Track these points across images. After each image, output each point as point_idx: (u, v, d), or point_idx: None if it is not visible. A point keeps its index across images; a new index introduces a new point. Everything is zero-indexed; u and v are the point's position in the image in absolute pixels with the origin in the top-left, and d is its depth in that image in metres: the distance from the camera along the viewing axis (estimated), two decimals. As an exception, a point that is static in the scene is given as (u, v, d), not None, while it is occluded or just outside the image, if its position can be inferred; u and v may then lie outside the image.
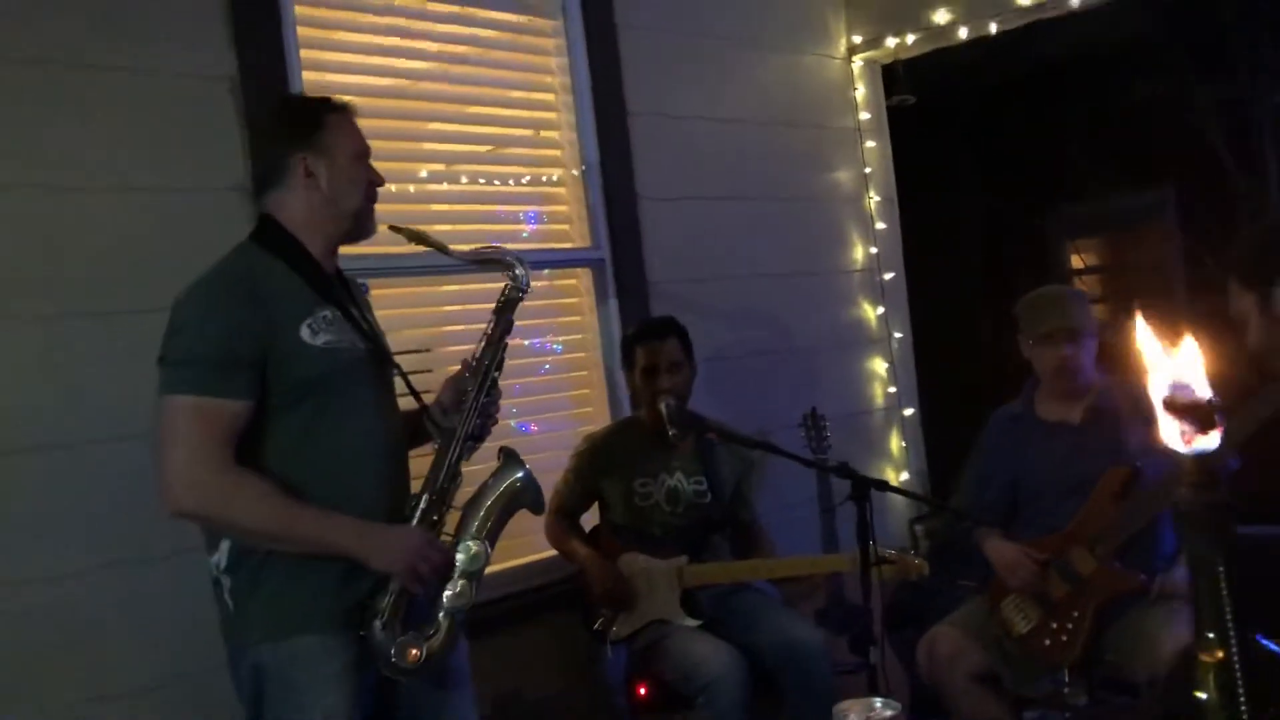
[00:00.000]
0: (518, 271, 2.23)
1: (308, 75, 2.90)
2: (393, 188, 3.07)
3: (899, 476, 4.35)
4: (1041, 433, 3.01)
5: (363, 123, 3.04)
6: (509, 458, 2.20)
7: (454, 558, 2.07)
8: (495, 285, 2.29)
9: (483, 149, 3.38)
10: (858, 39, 4.36)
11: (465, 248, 2.29)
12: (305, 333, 1.99)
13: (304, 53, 2.90)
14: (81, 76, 2.54)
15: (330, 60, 3.01)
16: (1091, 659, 2.80)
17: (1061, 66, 5.08)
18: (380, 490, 2.07)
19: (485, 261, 2.31)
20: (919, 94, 4.38)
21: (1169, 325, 0.81)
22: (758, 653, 2.91)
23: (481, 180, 3.36)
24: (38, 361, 2.46)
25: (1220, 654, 0.73)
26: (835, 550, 3.36)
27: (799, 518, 3.46)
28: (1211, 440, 0.75)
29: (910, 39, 4.21)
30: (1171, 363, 0.78)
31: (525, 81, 3.51)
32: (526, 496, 2.19)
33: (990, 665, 2.88)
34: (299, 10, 2.91)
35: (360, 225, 2.14)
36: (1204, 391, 0.76)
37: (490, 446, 2.26)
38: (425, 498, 2.09)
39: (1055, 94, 5.38)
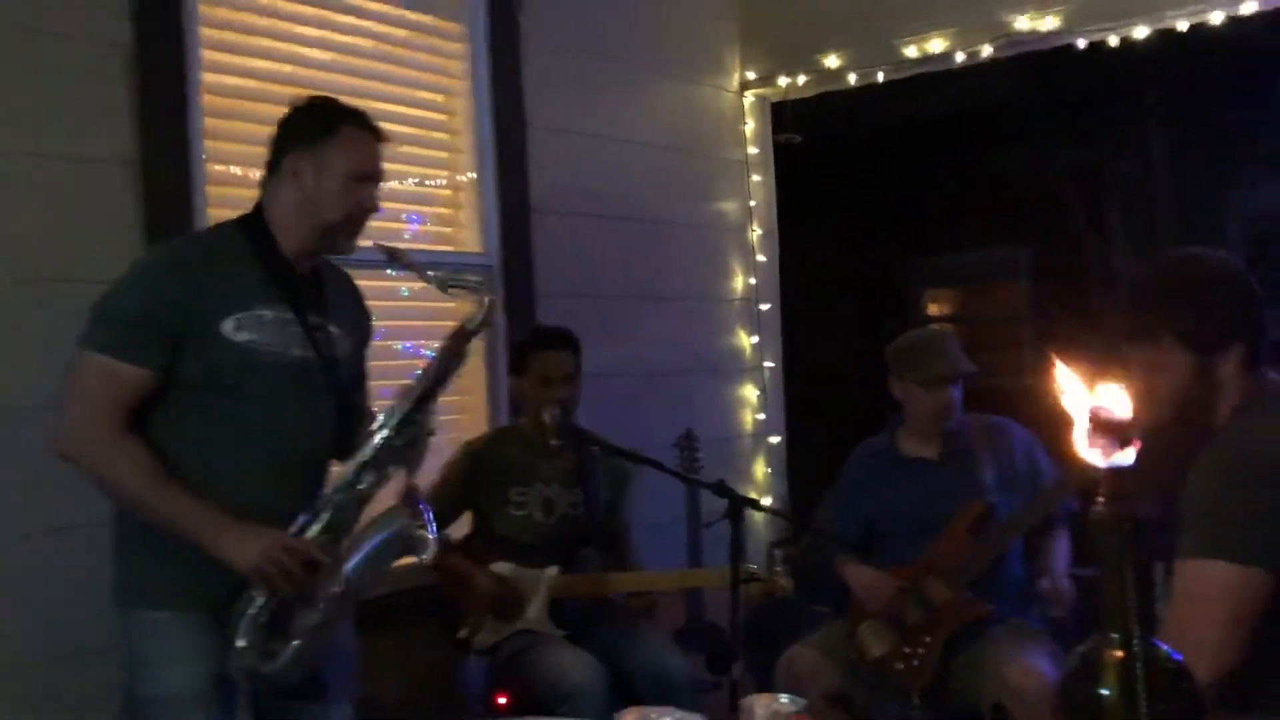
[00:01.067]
0: (487, 301, 2.15)
1: (207, 54, 2.84)
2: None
3: (763, 502, 4.46)
4: (902, 468, 3.13)
5: (257, 108, 3.03)
6: (401, 501, 2.11)
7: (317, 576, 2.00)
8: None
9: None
10: (751, 74, 4.48)
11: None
12: (229, 325, 1.99)
13: (204, 31, 2.84)
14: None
15: (231, 41, 2.94)
16: (940, 685, 2.93)
17: (938, 121, 5.33)
18: (263, 498, 2.03)
19: (459, 289, 2.21)
20: (805, 134, 4.53)
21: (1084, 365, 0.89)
22: (624, 671, 2.94)
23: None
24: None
25: (1121, 654, 0.80)
26: (700, 567, 3.43)
27: (667, 535, 3.51)
28: (1127, 456, 0.82)
29: (801, 79, 4.35)
30: (1091, 388, 0.85)
31: (424, 82, 3.49)
32: (390, 551, 2.10)
33: (844, 686, 2.98)
34: (201, -14, 2.84)
35: (333, 241, 2.12)
36: (1122, 413, 0.84)
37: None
38: (308, 518, 2.04)
39: (929, 147, 5.64)
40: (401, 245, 3.34)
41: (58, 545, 2.44)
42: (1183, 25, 3.65)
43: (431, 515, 2.10)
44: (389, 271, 3.27)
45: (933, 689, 2.92)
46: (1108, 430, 0.83)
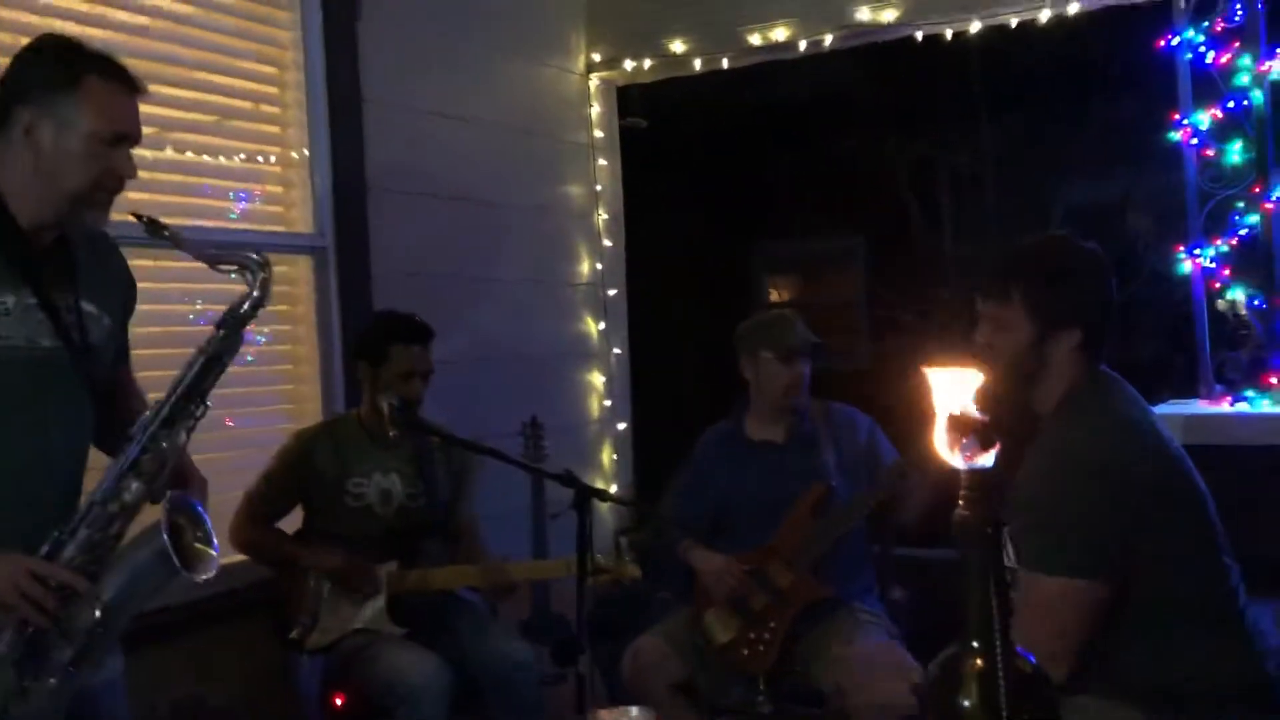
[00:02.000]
0: (260, 279, 1.83)
1: (7, 14, 2.59)
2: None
3: (609, 489, 4.42)
4: (749, 452, 3.14)
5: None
6: (165, 514, 1.77)
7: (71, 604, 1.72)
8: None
9: (205, 118, 3.14)
10: (596, 57, 4.43)
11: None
12: None
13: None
14: None
15: (43, 3, 2.70)
16: (784, 669, 2.95)
17: (782, 109, 5.40)
18: (13, 517, 1.77)
19: (226, 265, 1.87)
20: (651, 119, 4.51)
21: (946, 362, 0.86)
22: (465, 665, 2.86)
23: (191, 152, 3.12)
24: None
25: (982, 662, 0.78)
26: (545, 559, 3.37)
27: (511, 526, 3.44)
28: (988, 458, 0.80)
29: (647, 64, 4.32)
30: (954, 390, 0.83)
31: (253, 53, 3.30)
32: (154, 572, 1.76)
33: (690, 675, 2.97)
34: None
35: (77, 212, 1.81)
36: (981, 416, 0.81)
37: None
38: (60, 534, 1.76)
39: (771, 135, 5.71)
40: (230, 225, 3.22)
41: None
42: (1013, 21, 3.77)
43: (211, 525, 1.84)
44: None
45: (777, 673, 2.95)
46: (969, 431, 0.80)
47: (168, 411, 1.80)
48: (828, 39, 4.00)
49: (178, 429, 1.81)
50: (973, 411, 0.81)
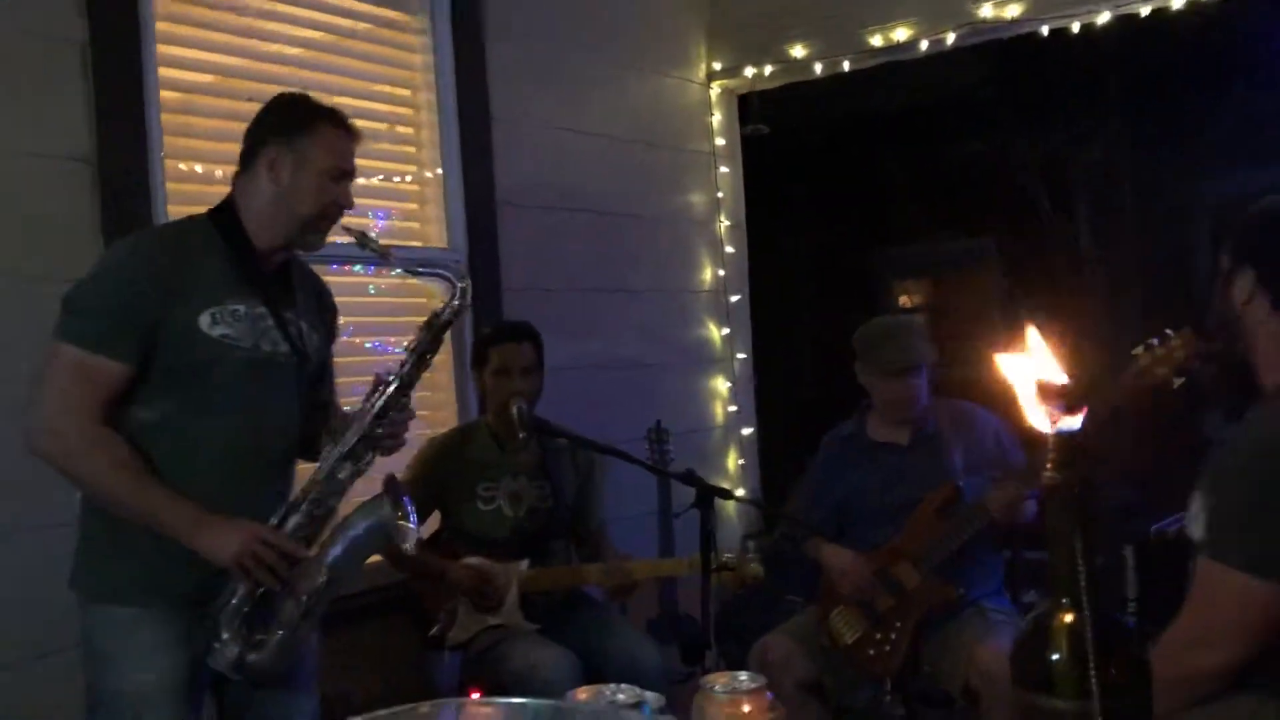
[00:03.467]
0: (460, 288, 2.13)
1: (163, 49, 2.80)
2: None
3: (736, 493, 4.46)
4: (871, 453, 3.14)
5: (215, 102, 2.99)
6: (383, 492, 2.07)
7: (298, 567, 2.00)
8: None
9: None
10: (717, 66, 4.49)
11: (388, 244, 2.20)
12: (205, 320, 1.98)
13: (160, 26, 2.80)
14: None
15: (188, 35, 2.91)
16: (911, 670, 2.94)
17: (905, 112, 5.36)
18: (234, 492, 2.02)
19: (428, 274, 2.24)
20: (772, 125, 4.54)
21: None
22: (596, 663, 2.93)
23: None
24: None
25: (1071, 618, 0.80)
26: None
27: (639, 527, 3.51)
28: (1074, 421, 0.82)
29: (767, 70, 4.36)
30: (1042, 355, 0.86)
31: (387, 77, 3.47)
32: (372, 541, 2.07)
33: (817, 674, 2.98)
34: (158, -19, 2.81)
35: (306, 236, 2.10)
36: (1065, 379, 0.84)
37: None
38: (287, 509, 2.04)
39: (895, 137, 5.67)
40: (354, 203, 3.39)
41: (27, 544, 2.42)
42: (1144, 10, 3.68)
43: (411, 505, 2.09)
44: (357, 269, 3.28)
45: (904, 674, 2.93)
46: (1054, 396, 0.83)
47: (382, 405, 2.07)
48: (950, 38, 3.96)
49: (386, 419, 2.08)
50: (1058, 377, 0.84)
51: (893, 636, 2.94)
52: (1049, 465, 0.82)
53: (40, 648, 2.44)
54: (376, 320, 3.37)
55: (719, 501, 2.64)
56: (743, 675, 1.08)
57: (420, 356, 2.12)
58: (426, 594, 3.03)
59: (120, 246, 2.07)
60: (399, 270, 2.20)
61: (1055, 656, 0.81)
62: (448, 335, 3.39)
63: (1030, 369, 0.84)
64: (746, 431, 4.57)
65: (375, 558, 3.14)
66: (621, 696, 1.05)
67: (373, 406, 2.07)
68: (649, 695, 1.10)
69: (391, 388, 2.08)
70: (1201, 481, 1.67)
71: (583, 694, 1.07)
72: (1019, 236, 5.95)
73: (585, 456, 3.18)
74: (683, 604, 3.52)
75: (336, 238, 2.18)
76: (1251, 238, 1.78)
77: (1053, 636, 0.82)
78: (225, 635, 1.98)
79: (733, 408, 4.52)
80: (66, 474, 1.97)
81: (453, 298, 2.13)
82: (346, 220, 2.15)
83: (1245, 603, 1.58)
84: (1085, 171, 5.86)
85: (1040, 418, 0.82)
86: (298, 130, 2.07)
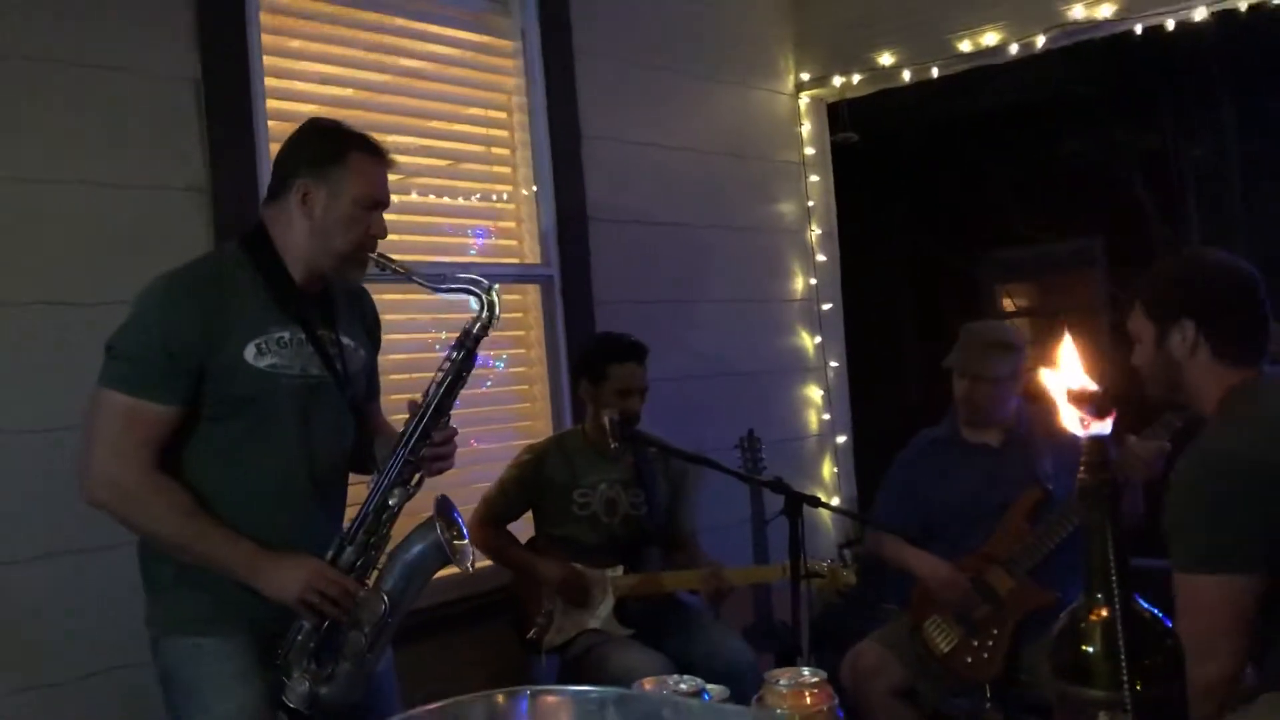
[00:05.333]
0: (487, 301, 2.07)
1: (270, 81, 2.96)
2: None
3: (830, 502, 4.46)
4: (962, 455, 3.13)
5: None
6: (434, 514, 2.05)
7: (356, 599, 2.00)
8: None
9: (440, 163, 3.45)
10: (805, 76, 4.51)
11: (418, 262, 2.22)
12: (250, 351, 1.97)
13: (267, 59, 2.96)
14: (46, 70, 2.57)
15: (293, 68, 3.07)
16: (1009, 678, 2.92)
17: (997, 114, 5.29)
18: (293, 523, 2.04)
19: (454, 290, 2.14)
20: (862, 133, 4.54)
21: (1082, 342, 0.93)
22: (691, 667, 2.97)
23: (434, 195, 3.43)
24: (-14, 348, 2.47)
25: (1105, 612, 0.83)
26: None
27: (732, 535, 3.55)
28: (1105, 425, 0.86)
29: (856, 79, 4.37)
30: (1073, 363, 0.89)
31: (482, 100, 3.59)
32: (428, 564, 2.06)
33: (910, 681, 2.98)
34: (264, 18, 2.96)
35: (342, 268, 2.09)
36: (1097, 385, 0.87)
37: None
38: (343, 539, 2.04)
39: (990, 140, 5.59)
40: (468, 259, 3.51)
41: (86, 566, 2.51)
42: (1243, 5, 3.59)
43: (464, 523, 2.12)
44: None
45: (1002, 681, 2.92)
46: (1084, 401, 0.86)
47: (421, 428, 2.06)
48: (1040, 40, 3.92)
49: (430, 440, 2.07)
50: (1089, 384, 0.87)
51: (989, 644, 2.93)
52: (1082, 467, 0.85)
53: (84, 668, 2.53)
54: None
55: (814, 510, 2.68)
56: (805, 670, 1.13)
57: (456, 377, 2.07)
58: (525, 598, 3.13)
59: (156, 287, 1.99)
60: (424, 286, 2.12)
61: (1090, 649, 0.84)
62: (535, 348, 3.59)
63: (1064, 377, 0.88)
64: (841, 440, 4.57)
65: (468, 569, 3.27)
66: (684, 686, 1.10)
67: (413, 431, 2.05)
68: (713, 686, 1.15)
69: (429, 410, 2.05)
70: (1165, 509, 1.78)
71: (648, 684, 1.12)
72: (1126, 236, 5.81)
73: (677, 465, 3.24)
74: (777, 611, 3.55)
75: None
76: (1185, 292, 1.91)
77: (1088, 629, 0.85)
78: (296, 673, 1.99)
79: (826, 416, 4.53)
80: (123, 522, 1.98)
81: (481, 310, 2.07)
82: (433, 255, 2.19)
83: (1216, 603, 1.64)
84: (1194, 168, 5.70)
85: (1073, 422, 0.86)
86: (330, 161, 2.03)
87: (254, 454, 2.01)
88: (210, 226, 2.78)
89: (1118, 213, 5.72)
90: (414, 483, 2.08)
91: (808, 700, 1.09)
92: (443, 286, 2.13)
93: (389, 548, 2.08)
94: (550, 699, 0.98)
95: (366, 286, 2.31)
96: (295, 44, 3.09)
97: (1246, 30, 3.84)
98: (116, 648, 2.52)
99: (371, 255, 2.09)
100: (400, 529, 2.11)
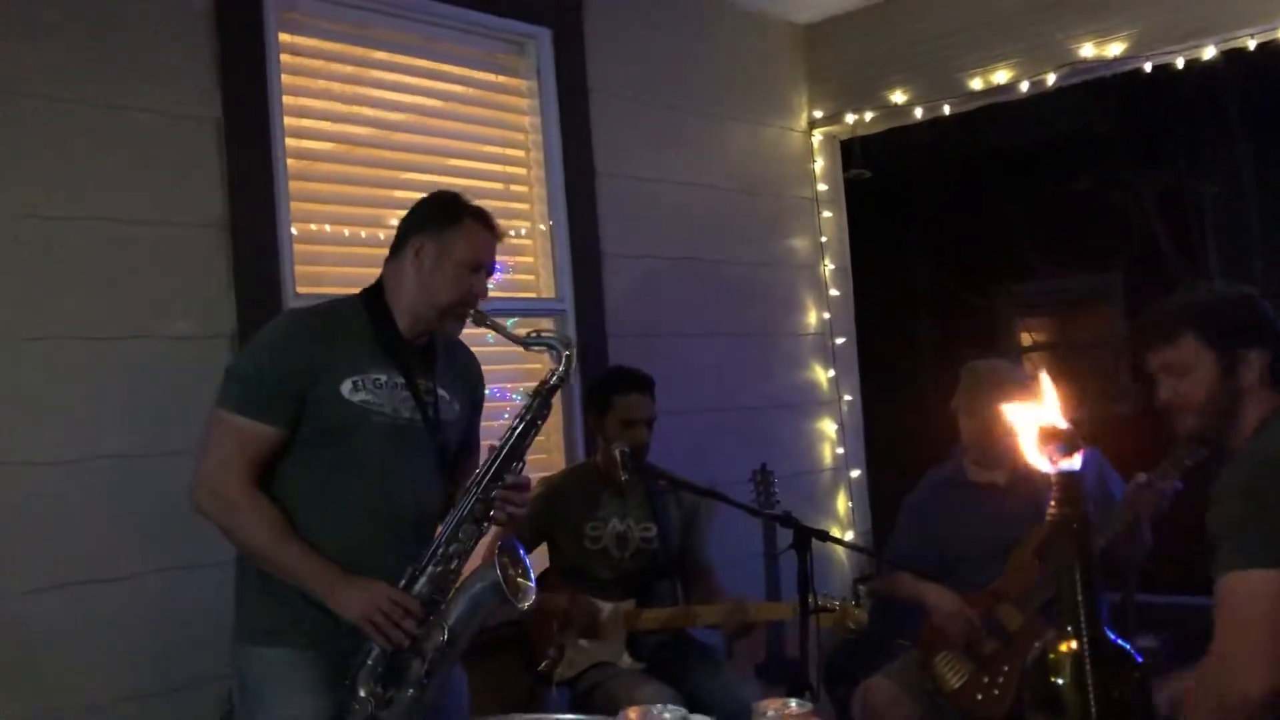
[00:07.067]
0: (565, 356, 2.23)
1: (289, 121, 3.02)
2: (363, 233, 3.22)
3: (845, 536, 4.46)
4: (969, 495, 3.14)
5: (339, 168, 3.20)
6: (496, 553, 2.14)
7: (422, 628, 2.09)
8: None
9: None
10: (818, 114, 4.56)
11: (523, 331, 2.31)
12: (346, 387, 2.13)
13: (287, 99, 3.03)
14: (68, 108, 2.64)
15: (312, 107, 3.13)
16: (1019, 715, 2.89)
17: (1011, 151, 5.32)
18: (371, 550, 2.14)
19: (538, 344, 2.30)
20: (874, 169, 4.58)
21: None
22: (701, 704, 2.96)
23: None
24: (7, 380, 2.52)
25: (1074, 644, 0.85)
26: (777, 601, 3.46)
27: (744, 570, 3.55)
28: (1075, 462, 0.88)
29: (868, 116, 4.41)
30: (1045, 400, 0.91)
31: (498, 138, 3.65)
32: (489, 601, 2.14)
33: (921, 717, 2.97)
34: (284, 58, 3.03)
35: (441, 322, 2.24)
36: (1066, 423, 0.89)
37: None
38: (414, 570, 2.13)
39: (1004, 177, 5.62)
40: (490, 295, 3.54)
41: (101, 596, 2.58)
42: (1251, 44, 3.62)
43: (530, 563, 2.20)
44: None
45: (1013, 718, 2.90)
46: (1056, 438, 0.88)
47: (494, 469, 2.18)
48: (1050, 78, 3.95)
49: (502, 483, 2.18)
50: (1059, 421, 0.89)
51: (1000, 680, 2.92)
52: (1053, 502, 0.87)
53: (170, 681, 2.61)
54: (496, 369, 3.48)
55: (830, 545, 2.69)
56: (793, 702, 1.14)
57: (530, 423, 2.22)
58: (535, 631, 3.14)
59: (278, 321, 2.25)
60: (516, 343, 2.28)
61: (1059, 680, 0.86)
62: (540, 377, 3.60)
63: (1034, 414, 0.90)
64: (855, 474, 4.57)
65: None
66: (668, 716, 1.12)
67: (487, 471, 2.18)
68: (697, 717, 1.17)
69: (503, 453, 2.18)
70: (1212, 515, 1.73)
71: (633, 714, 1.14)
72: (1143, 272, 5.81)
73: (689, 498, 3.25)
74: (790, 647, 3.53)
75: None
76: (1255, 322, 1.88)
77: (1057, 662, 0.87)
78: (362, 693, 2.08)
79: (840, 450, 4.54)
80: (221, 528, 2.13)
81: (558, 364, 2.23)
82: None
83: (1269, 599, 1.60)
84: (1212, 203, 5.71)
85: (1042, 460, 0.88)
86: (445, 223, 2.22)
87: (340, 482, 2.14)
88: (229, 262, 2.84)
89: (1134, 248, 5.73)
90: (486, 524, 2.19)
91: (794, 731, 1.11)
92: (530, 341, 2.28)
93: (459, 583, 2.17)
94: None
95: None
96: (315, 84, 3.16)
97: (1257, 67, 3.86)
98: (136, 676, 2.58)
99: (473, 312, 2.24)
100: (472, 567, 2.19)
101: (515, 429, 2.21)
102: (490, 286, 2.29)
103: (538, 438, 3.53)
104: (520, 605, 2.14)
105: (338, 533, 2.12)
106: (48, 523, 2.53)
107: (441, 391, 2.27)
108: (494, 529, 2.23)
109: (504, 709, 3.29)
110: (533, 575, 2.20)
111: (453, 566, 2.15)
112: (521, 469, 2.22)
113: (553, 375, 2.23)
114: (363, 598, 2.06)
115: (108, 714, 2.56)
